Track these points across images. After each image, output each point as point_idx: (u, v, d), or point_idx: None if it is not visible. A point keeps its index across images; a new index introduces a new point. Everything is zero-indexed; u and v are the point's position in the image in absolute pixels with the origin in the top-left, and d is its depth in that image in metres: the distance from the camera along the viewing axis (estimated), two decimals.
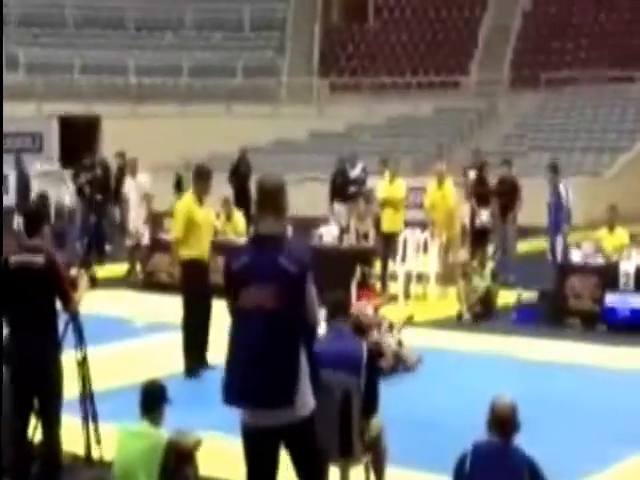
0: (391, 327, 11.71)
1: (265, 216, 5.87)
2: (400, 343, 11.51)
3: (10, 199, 22.00)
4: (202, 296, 11.25)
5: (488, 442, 5.97)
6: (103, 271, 17.91)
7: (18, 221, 19.60)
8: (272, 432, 5.74)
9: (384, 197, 16.66)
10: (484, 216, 17.24)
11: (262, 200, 5.90)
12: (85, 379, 7.75)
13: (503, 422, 5.96)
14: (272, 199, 5.87)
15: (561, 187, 16.27)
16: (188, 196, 11.50)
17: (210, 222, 11.84)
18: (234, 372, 5.76)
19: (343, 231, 16.63)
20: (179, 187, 20.77)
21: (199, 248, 11.29)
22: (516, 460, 5.89)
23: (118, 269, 18.25)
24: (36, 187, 22.44)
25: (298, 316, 5.72)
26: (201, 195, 11.37)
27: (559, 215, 16.02)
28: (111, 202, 20.18)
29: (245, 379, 5.71)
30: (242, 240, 16.33)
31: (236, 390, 5.74)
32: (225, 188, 19.96)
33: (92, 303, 12.89)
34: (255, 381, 5.67)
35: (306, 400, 5.74)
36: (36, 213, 7.85)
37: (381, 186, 17.06)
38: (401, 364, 11.29)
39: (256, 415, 5.73)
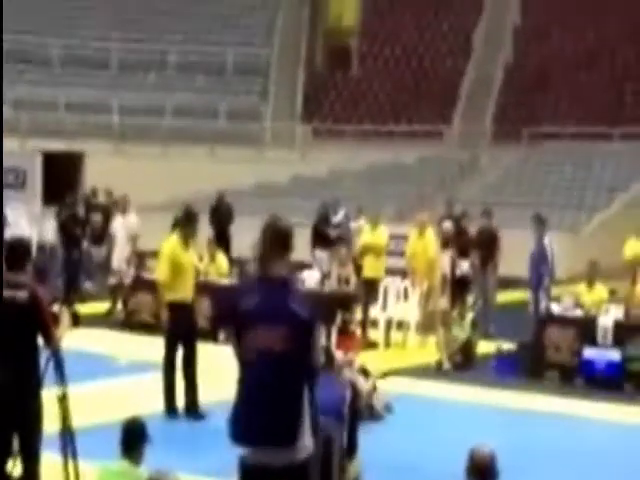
0: (365, 373, 11.71)
1: (275, 258, 5.90)
2: (374, 387, 11.52)
3: None
4: (187, 338, 11.26)
5: None
6: (84, 308, 17.84)
7: None
8: (271, 471, 5.76)
9: (366, 243, 16.76)
10: (464, 266, 17.34)
11: (273, 242, 5.92)
12: (65, 416, 7.71)
13: (482, 470, 6.00)
14: (283, 242, 5.92)
15: (545, 240, 16.36)
16: (174, 239, 11.52)
17: (194, 264, 11.87)
18: (240, 410, 5.81)
19: (325, 276, 16.68)
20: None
21: (184, 291, 11.33)
22: None
23: (99, 307, 18.21)
24: (23, 224, 22.35)
25: (305, 360, 5.77)
26: (188, 238, 11.40)
27: (542, 267, 16.08)
28: (91, 239, 20.17)
29: (251, 417, 5.76)
30: (225, 281, 16.42)
31: (241, 427, 5.79)
32: (207, 229, 20.00)
33: (74, 340, 12.91)
34: (260, 419, 5.72)
35: (307, 442, 5.79)
36: (19, 248, 7.81)
37: (363, 233, 17.17)
38: (370, 411, 11.25)
39: (258, 453, 5.77)
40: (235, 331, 5.95)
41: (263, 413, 5.72)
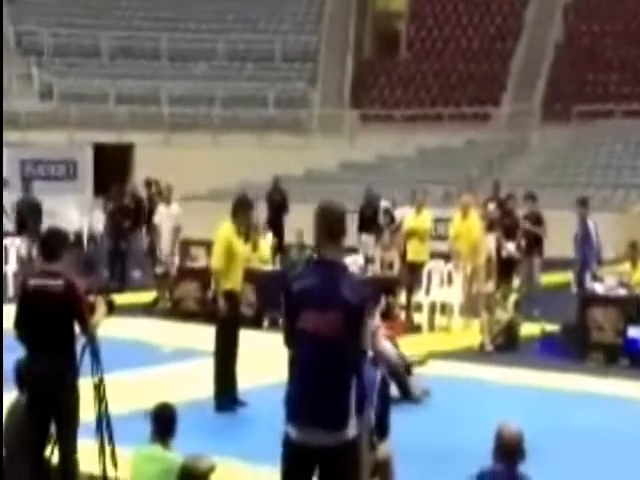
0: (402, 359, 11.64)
1: (328, 242, 5.91)
2: (409, 371, 11.50)
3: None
4: (234, 326, 11.31)
5: (493, 469, 6.02)
6: (131, 298, 18.09)
7: (19, 246, 19.92)
8: (316, 451, 5.82)
9: (410, 228, 16.76)
10: (510, 248, 17.25)
11: (327, 226, 5.92)
12: (101, 402, 7.83)
13: (509, 449, 6.01)
14: (336, 226, 5.93)
15: (589, 222, 16.26)
16: (228, 226, 11.29)
17: (246, 253, 11.78)
18: (292, 392, 5.89)
19: (368, 261, 16.72)
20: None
21: (235, 280, 11.29)
22: None
23: (146, 297, 18.41)
24: (72, 215, 22.63)
25: (354, 343, 5.81)
26: (241, 226, 11.35)
27: (586, 249, 15.99)
28: (140, 230, 20.37)
29: (301, 399, 5.82)
30: (267, 267, 16.53)
31: (294, 408, 5.85)
32: (257, 216, 20.05)
33: (121, 329, 13.13)
34: (310, 402, 5.78)
35: (354, 423, 5.84)
36: (55, 238, 7.92)
37: (407, 217, 17.18)
38: (407, 395, 11.22)
39: (307, 433, 5.82)
40: (287, 314, 6.02)
41: (313, 396, 5.79)
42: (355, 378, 5.83)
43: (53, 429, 7.59)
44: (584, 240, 16.21)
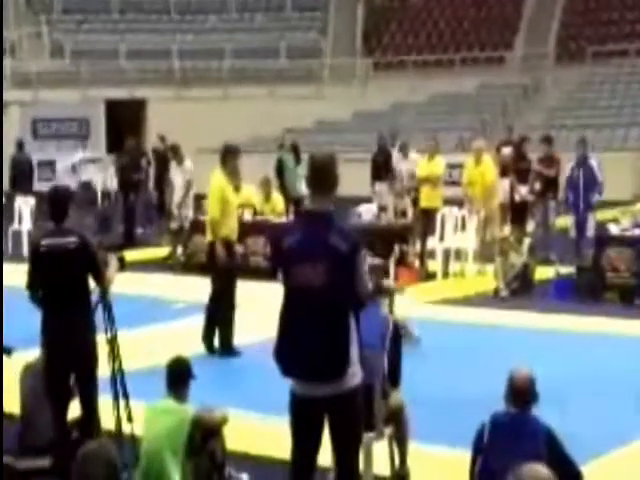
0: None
1: (315, 193, 5.90)
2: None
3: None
4: (231, 274, 11.40)
5: (505, 413, 6.00)
6: (143, 254, 18.14)
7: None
8: (321, 402, 5.83)
9: (423, 174, 16.68)
10: (523, 191, 17.14)
11: (313, 177, 5.92)
12: (115, 357, 7.86)
13: (520, 393, 5.99)
14: (322, 176, 5.89)
15: (592, 162, 16.11)
16: (219, 176, 11.45)
17: (237, 201, 11.95)
18: (287, 345, 5.85)
19: (382, 209, 16.66)
20: (280, 172, 20.66)
21: (229, 228, 11.41)
22: (533, 430, 5.91)
23: (159, 252, 18.43)
24: (82, 173, 22.67)
25: (348, 292, 5.76)
26: (230, 174, 11.43)
27: (592, 190, 15.85)
28: (146, 185, 20.37)
29: (296, 352, 5.80)
30: (281, 220, 16.50)
31: (288, 362, 5.84)
32: (268, 170, 20.01)
33: (134, 285, 13.15)
34: (307, 355, 5.76)
35: (355, 371, 5.82)
36: (61, 197, 7.89)
37: (420, 163, 17.09)
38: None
39: (306, 385, 5.83)
40: (279, 268, 6.00)
41: (308, 349, 5.77)
42: (354, 325, 5.80)
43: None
44: (588, 180, 16.00)
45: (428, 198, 16.48)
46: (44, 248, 7.52)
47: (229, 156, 11.42)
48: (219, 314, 11.40)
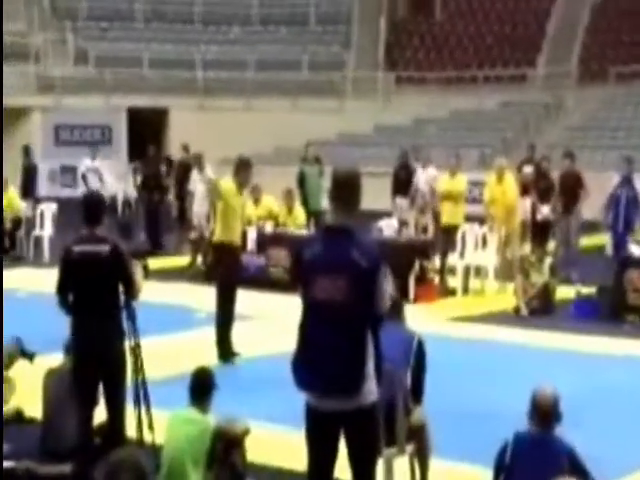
0: None
1: (337, 207, 5.90)
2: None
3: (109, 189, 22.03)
4: (231, 279, 11.53)
5: (529, 432, 6.01)
6: (164, 262, 18.19)
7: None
8: (336, 417, 5.82)
9: (445, 190, 16.68)
10: (545, 211, 17.13)
11: (336, 191, 5.92)
12: (138, 365, 7.89)
13: (544, 412, 5.99)
14: (346, 191, 5.89)
15: (637, 182, 16.03)
16: (229, 182, 11.73)
17: (243, 210, 12.26)
18: (304, 358, 5.85)
19: (402, 224, 16.66)
20: (302, 184, 20.75)
21: (232, 233, 11.61)
22: (556, 450, 5.91)
23: (179, 261, 18.49)
24: (108, 181, 22.70)
25: (367, 308, 5.77)
26: (241, 184, 11.68)
27: (633, 210, 15.80)
28: (167, 195, 20.45)
29: (314, 366, 5.80)
30: (302, 232, 16.53)
31: (305, 375, 5.84)
32: (290, 181, 20.05)
33: (155, 293, 13.18)
34: (324, 368, 5.76)
35: (371, 388, 5.81)
36: (95, 203, 7.94)
37: (441, 179, 17.10)
38: None
39: (323, 400, 5.83)
40: (299, 281, 6.04)
41: (325, 362, 5.77)
42: (372, 341, 5.80)
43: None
44: (629, 201, 15.93)
45: (450, 215, 16.47)
46: (76, 255, 7.56)
47: (241, 168, 11.66)
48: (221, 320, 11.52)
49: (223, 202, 11.56)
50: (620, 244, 15.71)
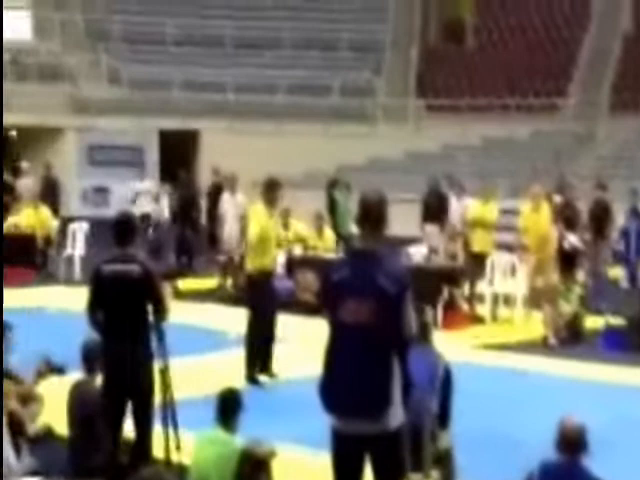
0: None
1: (364, 232, 5.97)
2: None
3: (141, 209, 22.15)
4: (270, 307, 11.56)
5: (555, 461, 6.01)
6: (194, 284, 18.26)
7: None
8: (361, 440, 5.85)
9: (476, 217, 16.61)
10: (572, 239, 17.03)
11: (363, 215, 5.98)
12: (166, 386, 7.92)
13: (571, 442, 5.99)
14: (372, 215, 5.96)
15: None
16: (260, 208, 11.80)
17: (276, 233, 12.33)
18: (330, 381, 5.91)
19: (432, 251, 16.65)
20: (332, 208, 20.80)
21: (268, 258, 11.63)
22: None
23: (208, 283, 18.55)
24: (140, 203, 22.87)
25: (394, 332, 5.82)
26: (271, 203, 11.72)
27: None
28: (199, 217, 20.61)
29: (340, 389, 5.85)
30: (331, 256, 16.55)
31: (331, 398, 5.88)
32: (319, 205, 20.09)
33: (185, 314, 13.25)
34: (349, 391, 5.82)
35: (397, 412, 5.84)
36: (127, 222, 7.99)
37: (473, 206, 17.04)
38: None
39: (348, 423, 5.87)
40: (326, 304, 6.07)
41: (352, 385, 5.82)
42: (398, 367, 5.84)
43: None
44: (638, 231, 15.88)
45: (480, 242, 16.43)
46: (107, 274, 7.61)
47: (271, 189, 11.72)
48: (250, 344, 11.56)
49: (256, 226, 11.57)
50: (634, 275, 15.63)
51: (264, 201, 11.71)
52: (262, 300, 11.61)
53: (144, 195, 21.36)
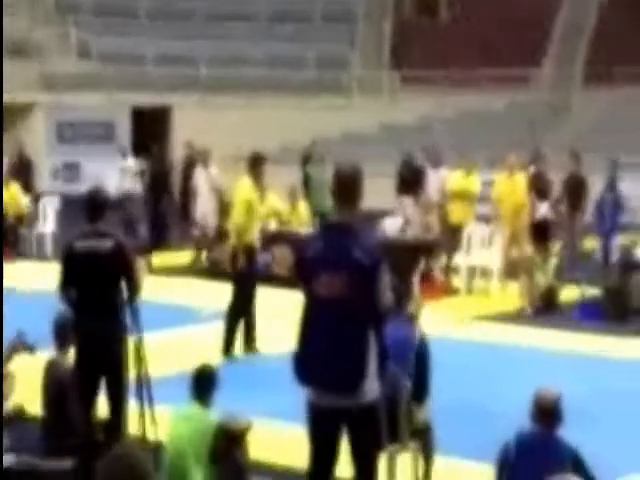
0: None
1: (339, 205, 5.94)
2: None
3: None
4: (251, 281, 11.54)
5: (531, 432, 6.00)
6: (168, 258, 18.16)
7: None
8: (337, 413, 5.85)
9: (457, 189, 16.53)
10: (543, 209, 16.98)
11: (337, 188, 5.96)
12: (141, 361, 7.86)
13: (547, 413, 5.99)
14: (347, 188, 5.93)
15: (621, 185, 15.97)
16: (247, 183, 11.70)
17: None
18: (305, 354, 5.89)
19: (407, 223, 16.60)
20: (307, 183, 20.72)
21: (253, 235, 11.68)
22: (559, 451, 5.92)
23: (183, 257, 18.46)
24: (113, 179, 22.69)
25: (369, 305, 5.79)
26: (258, 180, 11.65)
27: (618, 213, 15.72)
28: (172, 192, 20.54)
29: (316, 362, 5.84)
30: (306, 230, 16.49)
31: (306, 372, 5.87)
32: (295, 179, 20.00)
33: (157, 289, 13.17)
34: (324, 364, 5.80)
35: (373, 386, 5.83)
36: (97, 198, 7.92)
37: (454, 178, 16.94)
38: None
39: (323, 396, 5.85)
40: (301, 278, 6.01)
41: (326, 359, 5.81)
42: (374, 340, 5.80)
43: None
44: (615, 204, 15.87)
45: (459, 214, 16.37)
46: (79, 250, 7.53)
47: (257, 163, 11.66)
48: (233, 318, 11.53)
49: (244, 201, 11.53)
50: (608, 248, 15.63)
51: (250, 175, 11.66)
52: (247, 274, 11.59)
53: (128, 173, 21.18)
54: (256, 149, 12.71)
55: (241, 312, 11.66)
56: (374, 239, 6.53)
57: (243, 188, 11.73)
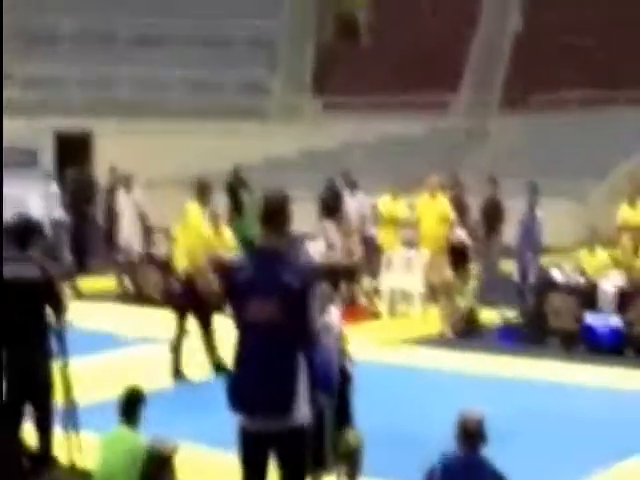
0: None
1: (267, 230, 6.02)
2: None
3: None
4: (207, 304, 11.77)
5: (456, 455, 6.14)
6: (91, 284, 18.06)
7: None
8: (266, 437, 5.92)
9: (386, 214, 16.79)
10: (459, 233, 17.22)
11: (266, 214, 6.04)
12: (67, 388, 7.87)
13: (471, 434, 6.13)
14: (275, 213, 6.02)
15: (538, 209, 16.30)
16: (195, 208, 11.91)
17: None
18: (236, 380, 5.98)
19: (329, 247, 16.79)
20: (237, 207, 20.69)
21: (201, 257, 11.76)
22: (482, 471, 6.06)
23: (106, 282, 18.38)
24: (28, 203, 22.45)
25: (299, 329, 5.88)
26: (204, 205, 11.99)
27: (536, 236, 16.02)
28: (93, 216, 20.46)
29: (246, 387, 5.92)
30: (231, 255, 16.53)
31: (238, 396, 5.94)
32: (217, 205, 19.99)
33: (82, 315, 13.13)
34: (256, 389, 5.88)
35: (303, 410, 5.92)
36: (24, 225, 7.93)
37: (383, 203, 17.16)
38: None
39: (252, 420, 5.92)
40: (231, 304, 6.11)
41: (257, 383, 5.89)
42: (304, 363, 5.92)
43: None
44: (532, 227, 16.18)
45: (390, 238, 16.60)
46: (4, 276, 7.53)
47: (203, 188, 11.94)
48: (177, 340, 11.73)
49: (192, 230, 11.71)
50: (527, 270, 15.87)
51: (197, 201, 11.90)
52: (196, 299, 11.67)
53: (52, 199, 20.98)
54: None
55: (185, 337, 11.80)
56: (306, 262, 6.63)
57: (192, 214, 11.91)
